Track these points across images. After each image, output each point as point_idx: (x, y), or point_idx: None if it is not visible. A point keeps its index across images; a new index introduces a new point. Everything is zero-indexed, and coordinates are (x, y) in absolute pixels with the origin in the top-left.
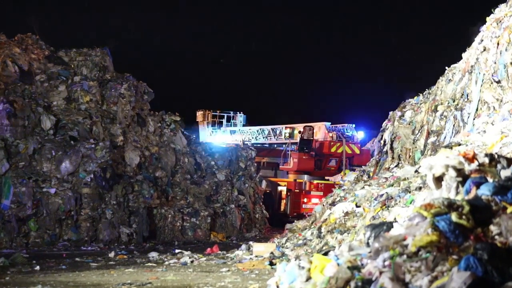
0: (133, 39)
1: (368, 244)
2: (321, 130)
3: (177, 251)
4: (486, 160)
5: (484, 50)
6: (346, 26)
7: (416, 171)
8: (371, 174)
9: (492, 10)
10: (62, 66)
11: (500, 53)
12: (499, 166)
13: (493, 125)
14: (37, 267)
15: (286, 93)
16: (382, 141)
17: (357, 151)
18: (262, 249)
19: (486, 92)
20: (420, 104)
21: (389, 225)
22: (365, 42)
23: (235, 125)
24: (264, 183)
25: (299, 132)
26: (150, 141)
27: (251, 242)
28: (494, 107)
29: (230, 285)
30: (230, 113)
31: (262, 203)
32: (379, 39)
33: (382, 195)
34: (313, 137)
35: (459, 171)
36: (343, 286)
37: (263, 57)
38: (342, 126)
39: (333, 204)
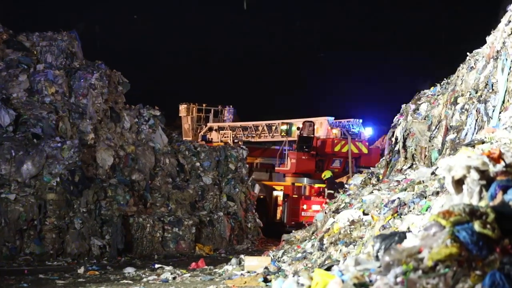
0: (106, 21)
1: (377, 258)
2: (323, 126)
3: (157, 266)
4: None
5: None
6: (348, 9)
7: (432, 173)
8: (380, 177)
9: None
10: (22, 52)
11: None
12: None
13: None
14: None
15: (282, 84)
16: (393, 139)
17: (365, 150)
18: (255, 263)
19: None
20: (438, 95)
21: (402, 236)
22: (372, 23)
23: (223, 120)
24: (257, 188)
25: (298, 128)
26: (125, 139)
27: (242, 256)
28: None
29: None
30: (217, 107)
31: (255, 210)
32: (389, 20)
33: (394, 201)
34: (313, 134)
35: (483, 173)
36: None
37: (254, 44)
38: (347, 121)
39: (337, 211)
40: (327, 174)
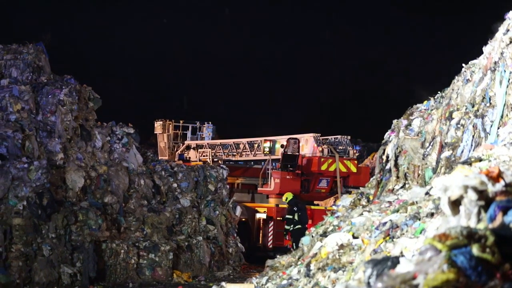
0: (76, 32)
1: (369, 284)
2: (308, 144)
3: None
4: None
5: (511, 42)
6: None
7: (427, 193)
8: (371, 198)
9: None
10: None
11: None
12: None
13: None
14: None
15: (264, 98)
16: (384, 157)
17: (354, 169)
18: None
19: None
20: (431, 110)
21: (395, 261)
22: (359, 29)
23: (202, 138)
24: (238, 210)
25: (282, 146)
26: (97, 159)
27: (223, 283)
28: None
29: None
30: (196, 123)
31: (237, 234)
32: (380, 28)
33: (385, 223)
34: (298, 152)
35: (481, 193)
36: None
37: (235, 57)
38: (334, 138)
39: (324, 234)
40: (288, 196)
